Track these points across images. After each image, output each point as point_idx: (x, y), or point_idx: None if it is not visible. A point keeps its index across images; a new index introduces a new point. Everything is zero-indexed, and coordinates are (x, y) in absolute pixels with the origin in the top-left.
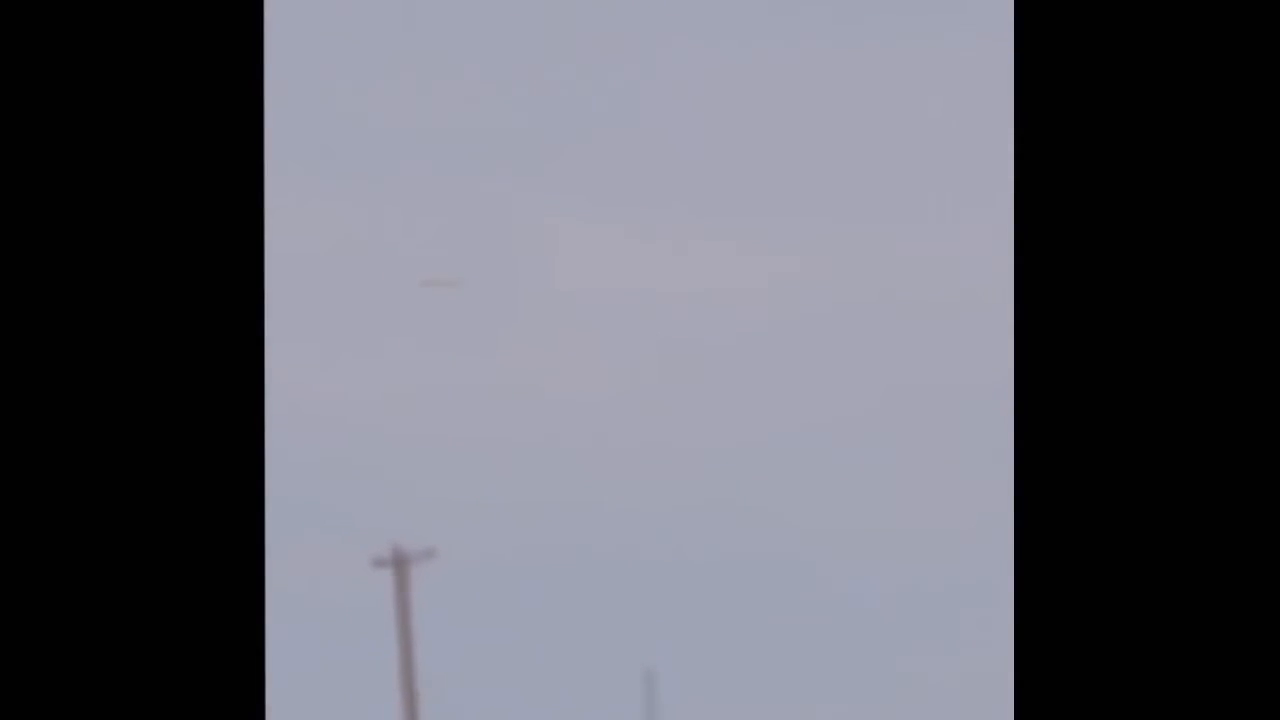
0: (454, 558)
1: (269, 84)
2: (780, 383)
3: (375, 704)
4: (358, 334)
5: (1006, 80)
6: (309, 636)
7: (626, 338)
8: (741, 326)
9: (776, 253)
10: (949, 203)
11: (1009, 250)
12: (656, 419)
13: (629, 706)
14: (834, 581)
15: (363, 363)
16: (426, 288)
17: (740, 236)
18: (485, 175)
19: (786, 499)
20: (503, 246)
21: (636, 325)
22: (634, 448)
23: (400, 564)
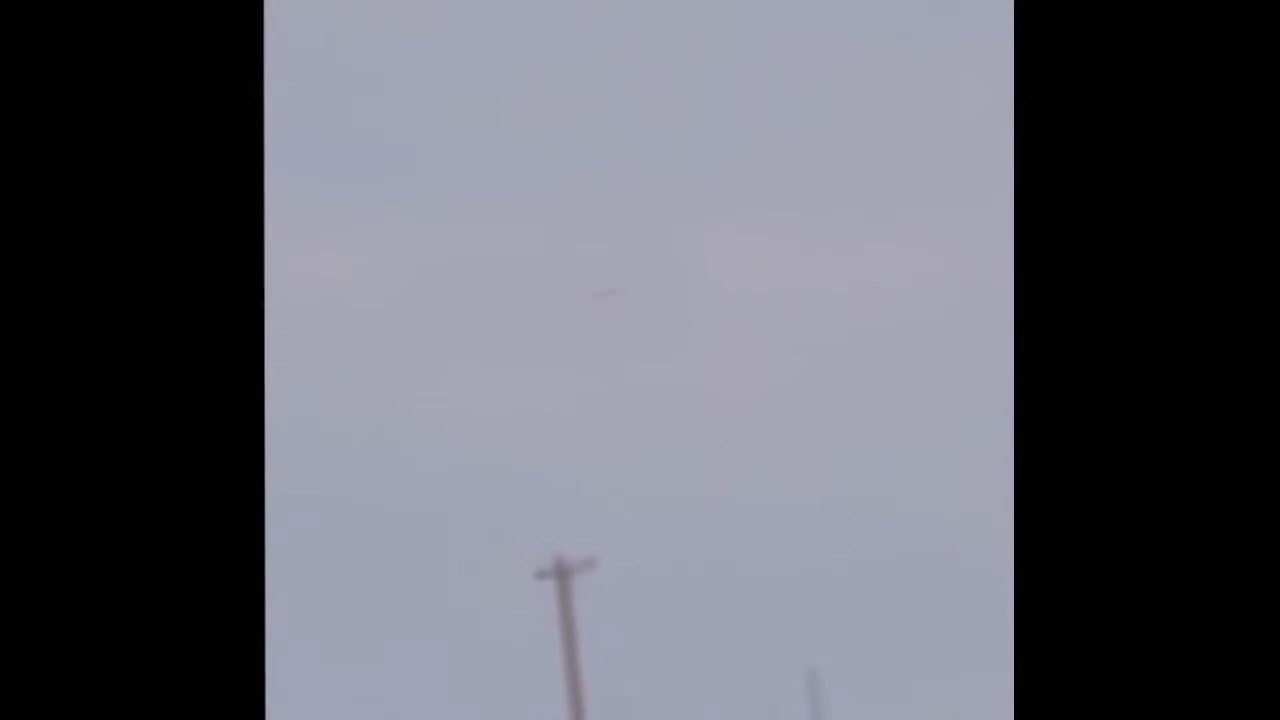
0: (615, 565)
1: (423, 98)
2: (933, 377)
3: (543, 716)
4: (519, 346)
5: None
6: (475, 652)
7: (783, 338)
8: (896, 323)
9: (928, 246)
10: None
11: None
12: (815, 418)
13: (794, 707)
14: (987, 577)
15: (525, 374)
16: (590, 298)
17: (894, 233)
18: (642, 181)
19: (941, 494)
20: (661, 252)
21: (793, 325)
22: (794, 447)
23: (562, 575)
